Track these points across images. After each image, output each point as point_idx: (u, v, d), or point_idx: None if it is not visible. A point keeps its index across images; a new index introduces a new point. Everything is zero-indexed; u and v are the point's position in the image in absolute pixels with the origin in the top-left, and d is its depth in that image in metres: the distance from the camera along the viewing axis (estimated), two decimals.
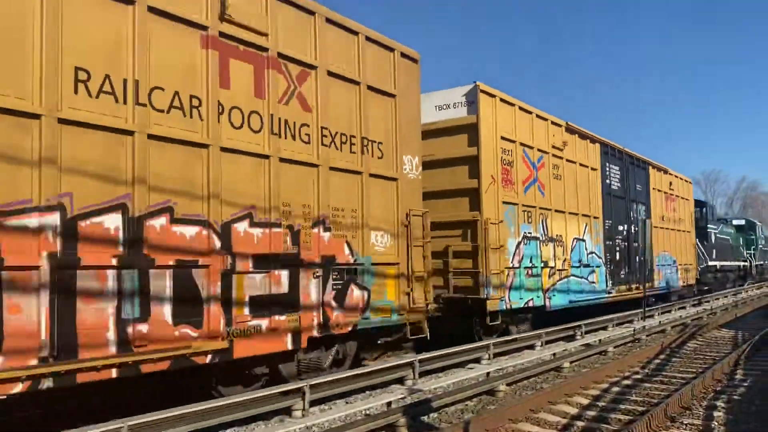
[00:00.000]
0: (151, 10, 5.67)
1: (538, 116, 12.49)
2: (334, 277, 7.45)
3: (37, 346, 4.76)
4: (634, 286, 16.80)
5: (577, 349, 11.34)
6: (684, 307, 19.22)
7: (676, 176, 22.27)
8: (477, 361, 9.56)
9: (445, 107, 11.18)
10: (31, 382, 4.70)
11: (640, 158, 18.44)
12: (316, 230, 7.24)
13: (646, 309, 15.72)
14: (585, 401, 7.55)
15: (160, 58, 5.75)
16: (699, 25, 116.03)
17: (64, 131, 5.02)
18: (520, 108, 11.87)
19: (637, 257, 17.27)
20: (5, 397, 4.61)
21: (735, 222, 37.51)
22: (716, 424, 6.49)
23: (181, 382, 6.67)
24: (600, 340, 12.40)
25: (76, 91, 5.13)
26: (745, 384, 8.54)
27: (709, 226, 27.60)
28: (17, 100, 4.77)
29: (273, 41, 6.86)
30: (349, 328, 7.64)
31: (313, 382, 6.67)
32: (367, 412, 6.75)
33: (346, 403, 7.10)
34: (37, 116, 4.86)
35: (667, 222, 20.54)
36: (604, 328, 13.85)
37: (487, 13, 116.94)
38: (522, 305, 11.46)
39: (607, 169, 15.88)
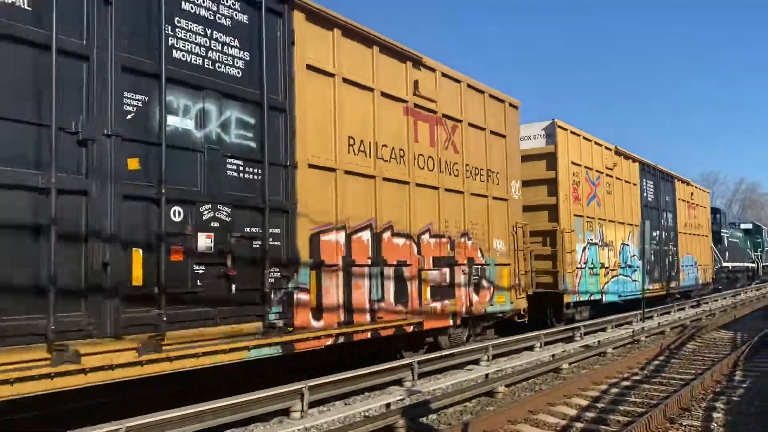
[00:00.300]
0: (383, 94, 8.47)
1: (595, 143, 15.28)
2: (473, 273, 10.23)
3: (337, 315, 7.56)
4: (664, 283, 19.61)
5: (576, 350, 11.36)
6: (683, 309, 19.28)
7: (696, 187, 25.09)
8: (476, 362, 9.62)
9: (526, 138, 13.94)
10: (333, 338, 7.48)
11: (668, 173, 21.24)
12: (463, 239, 10.02)
13: (645, 310, 16.13)
14: (584, 402, 7.54)
15: (384, 125, 8.54)
16: (699, 26, 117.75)
17: (345, 177, 7.81)
18: (584, 137, 14.66)
19: (666, 259, 20.08)
20: (323, 347, 7.37)
21: (743, 226, 40.35)
22: (715, 425, 6.49)
23: (376, 349, 9.40)
24: (599, 341, 12.43)
25: (348, 151, 7.92)
26: (744, 385, 8.51)
27: (722, 230, 30.43)
28: (325, 159, 7.57)
29: (439, 105, 9.65)
30: (482, 311, 10.42)
31: (311, 384, 6.73)
32: (366, 413, 6.76)
33: (345, 404, 7.15)
34: (333, 169, 7.66)
35: (689, 228, 23.29)
36: (603, 330, 13.90)
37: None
38: (586, 299, 14.25)
39: (644, 183, 18.66)
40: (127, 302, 5.35)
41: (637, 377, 9.24)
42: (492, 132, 10.99)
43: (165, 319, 5.54)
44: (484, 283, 10.51)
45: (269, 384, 6.65)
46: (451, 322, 9.65)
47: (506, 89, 11.69)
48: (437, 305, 9.32)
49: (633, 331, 13.75)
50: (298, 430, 6.06)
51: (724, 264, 30.10)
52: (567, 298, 13.30)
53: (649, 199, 19.02)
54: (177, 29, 5.96)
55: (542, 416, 6.84)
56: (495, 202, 10.96)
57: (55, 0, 4.95)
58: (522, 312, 11.52)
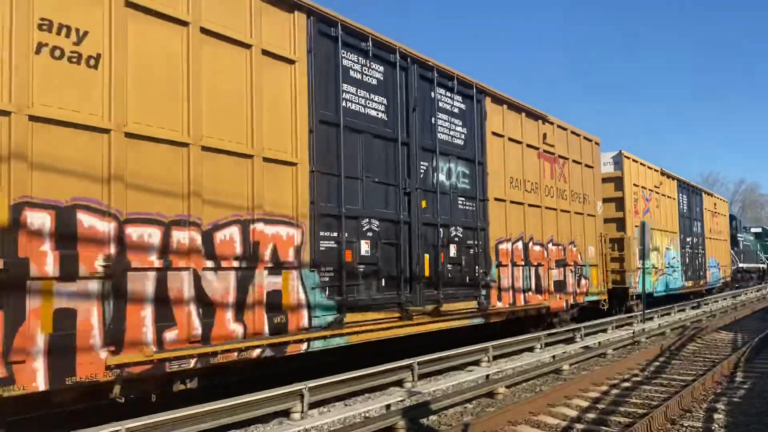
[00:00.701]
0: (527, 145, 12.12)
1: (648, 167, 18.92)
2: (577, 272, 13.86)
3: (509, 298, 11.19)
4: (696, 282, 23.27)
5: (576, 351, 11.49)
6: (683, 310, 19.68)
7: (719, 198, 28.80)
8: (476, 363, 9.77)
9: None
10: (506, 315, 11.08)
11: (697, 187, 24.91)
12: (570, 246, 13.65)
13: (646, 312, 16.51)
14: (584, 404, 7.54)
15: (528, 167, 12.17)
16: (699, 26, 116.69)
17: (510, 205, 11.43)
18: (640, 163, 18.31)
19: (697, 260, 23.72)
20: (503, 319, 10.96)
21: (753, 230, 44.17)
22: (716, 426, 6.47)
23: (514, 326, 12.97)
24: (599, 342, 12.60)
25: (511, 187, 11.54)
26: (745, 386, 8.51)
27: (738, 235, 34.12)
28: (500, 194, 11.21)
29: (556, 148, 13.29)
30: (581, 300, 14.05)
31: (311, 385, 6.75)
32: (366, 414, 6.77)
33: (345, 405, 7.17)
34: (503, 200, 11.27)
35: (713, 233, 26.94)
36: (604, 331, 14.15)
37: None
38: (641, 291, 17.87)
39: (680, 197, 22.30)
40: (425, 287, 9.00)
41: (638, 378, 9.26)
42: (585, 165, 14.63)
43: (442, 296, 9.20)
44: (583, 279, 14.15)
45: (269, 385, 6.79)
46: (564, 307, 13.29)
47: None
48: (557, 294, 12.96)
49: (633, 333, 14.00)
50: (298, 431, 6.03)
51: (740, 265, 33.81)
52: (631, 291, 16.94)
53: (684, 210, 22.67)
54: (440, 121, 9.64)
55: (543, 417, 6.85)
56: (588, 218, 14.60)
57: (399, 115, 8.62)
58: (604, 302, 15.16)
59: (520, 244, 11.69)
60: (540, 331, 12.28)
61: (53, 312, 4.87)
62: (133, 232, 5.45)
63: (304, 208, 7.14)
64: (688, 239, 22.88)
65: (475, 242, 10.25)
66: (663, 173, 20.38)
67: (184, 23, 6.03)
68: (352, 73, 8.08)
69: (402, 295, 8.49)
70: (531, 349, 11.31)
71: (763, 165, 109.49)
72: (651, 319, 16.63)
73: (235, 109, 6.49)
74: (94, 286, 5.14)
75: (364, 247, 7.98)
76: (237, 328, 6.32)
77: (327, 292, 7.38)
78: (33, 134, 4.87)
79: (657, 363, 10.63)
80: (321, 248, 7.35)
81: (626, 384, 8.76)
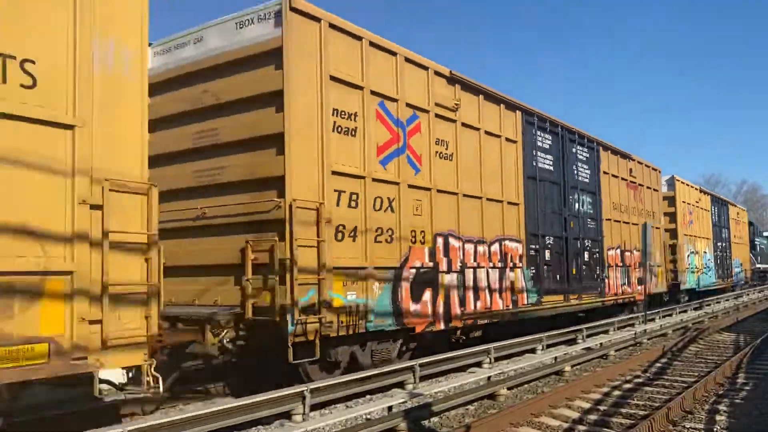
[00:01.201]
0: (622, 179, 16.66)
1: (692, 187, 23.45)
2: (652, 272, 18.32)
3: (615, 290, 15.71)
4: (724, 279, 27.97)
5: (578, 352, 11.56)
6: (685, 311, 20.15)
7: (741, 209, 33.56)
8: (478, 365, 9.84)
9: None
10: (613, 301, 15.57)
11: (725, 200, 29.61)
12: (628, 252, 18.14)
13: (647, 313, 16.91)
14: (586, 405, 7.53)
15: (621, 195, 16.66)
16: (699, 27, 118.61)
17: (613, 223, 15.96)
18: (686, 184, 22.89)
19: (725, 262, 28.28)
20: (609, 304, 15.46)
21: (765, 233, 48.71)
22: (718, 428, 6.44)
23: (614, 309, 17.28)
24: (601, 343, 12.67)
25: (613, 210, 16.04)
26: (747, 388, 8.48)
27: (756, 239, 38.77)
28: (609, 215, 15.76)
29: (637, 178, 17.79)
30: (651, 293, 18.50)
31: (313, 386, 6.80)
32: (368, 416, 6.78)
33: (347, 407, 7.17)
34: (609, 219, 15.80)
35: (736, 239, 31.57)
36: (606, 332, 14.29)
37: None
38: (688, 287, 22.42)
39: (713, 209, 26.85)
40: (574, 281, 13.48)
41: (640, 379, 9.28)
42: (653, 189, 19.14)
43: (581, 287, 13.74)
44: (653, 277, 18.67)
45: (272, 387, 6.83)
46: (642, 298, 17.78)
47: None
48: (639, 288, 17.46)
49: (635, 334, 14.15)
50: None
51: (758, 266, 38.47)
52: (682, 287, 21.50)
53: (715, 220, 27.18)
54: (578, 167, 14.17)
55: (544, 419, 6.83)
56: (656, 230, 19.12)
57: (559, 166, 13.16)
58: (664, 294, 19.69)
59: (618, 251, 16.21)
60: (624, 315, 16.72)
61: (445, 289, 9.42)
62: (469, 246, 10.01)
63: (522, 231, 11.66)
64: (718, 244, 27.40)
65: (596, 250, 14.76)
66: (701, 191, 24.93)
67: (477, 129, 10.59)
68: (539, 143, 12.58)
69: (565, 285, 13.01)
70: (533, 351, 11.47)
71: (765, 166, 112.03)
72: (653, 320, 16.99)
73: (495, 174, 11.01)
74: (454, 276, 9.68)
75: (547, 254, 12.50)
76: (500, 302, 10.84)
77: (532, 283, 11.90)
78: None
79: (659, 364, 10.69)
80: (529, 255, 11.87)
81: (628, 385, 8.80)
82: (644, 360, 10.87)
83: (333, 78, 7.77)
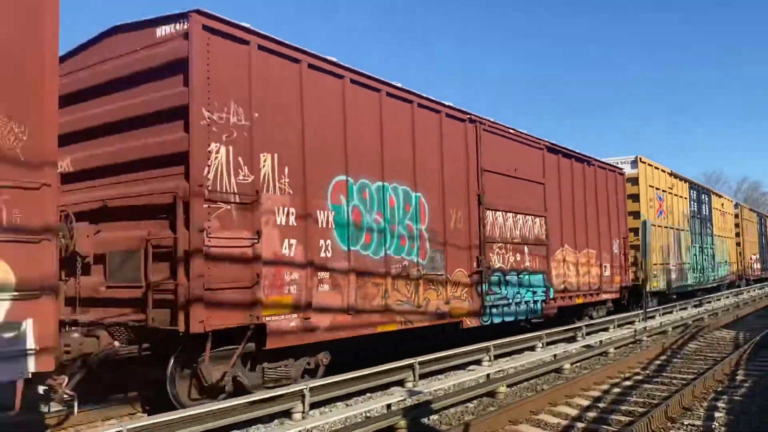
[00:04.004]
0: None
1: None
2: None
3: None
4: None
5: (578, 350, 11.35)
6: (685, 308, 19.87)
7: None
8: (477, 362, 9.72)
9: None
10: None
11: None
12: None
13: (647, 310, 16.53)
14: (585, 402, 7.55)
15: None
16: (699, 27, 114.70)
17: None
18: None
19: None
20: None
21: None
22: (717, 425, 6.47)
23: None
24: (601, 341, 12.45)
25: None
26: (747, 385, 8.53)
27: None
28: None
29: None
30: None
31: (312, 385, 6.79)
32: (367, 414, 6.81)
33: (346, 405, 7.24)
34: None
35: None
36: (605, 330, 13.95)
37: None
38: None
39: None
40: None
41: (639, 377, 9.25)
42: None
43: None
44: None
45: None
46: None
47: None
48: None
49: (635, 331, 13.90)
50: (299, 431, 6.08)
51: None
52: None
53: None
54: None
55: (544, 416, 6.85)
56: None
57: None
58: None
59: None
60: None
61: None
62: None
63: None
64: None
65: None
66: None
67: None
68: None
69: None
70: (532, 348, 11.32)
71: (766, 163, 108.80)
72: (652, 317, 16.74)
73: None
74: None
75: None
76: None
77: None
78: None
79: (658, 362, 10.66)
80: None
81: (627, 383, 8.79)
82: (644, 357, 10.97)
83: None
